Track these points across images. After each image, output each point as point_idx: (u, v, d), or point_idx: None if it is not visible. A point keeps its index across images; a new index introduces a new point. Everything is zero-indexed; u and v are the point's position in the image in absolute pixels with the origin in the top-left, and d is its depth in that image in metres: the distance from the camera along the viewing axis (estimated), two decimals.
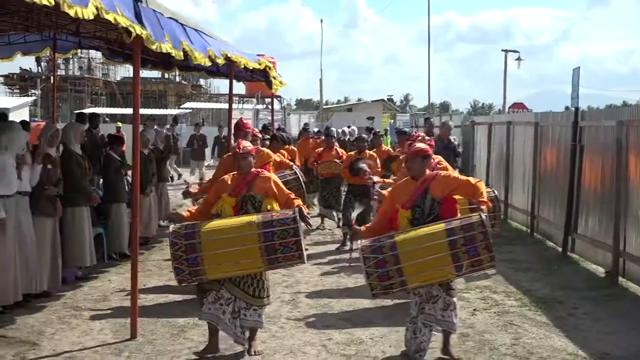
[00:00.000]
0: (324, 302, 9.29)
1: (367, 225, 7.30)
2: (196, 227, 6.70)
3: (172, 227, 6.79)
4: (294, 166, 9.54)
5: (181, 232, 6.66)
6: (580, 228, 12.21)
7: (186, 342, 7.45)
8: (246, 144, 7.32)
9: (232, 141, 9.76)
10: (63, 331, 7.86)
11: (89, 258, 10.06)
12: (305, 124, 23.49)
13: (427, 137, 9.09)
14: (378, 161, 13.03)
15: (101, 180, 12.33)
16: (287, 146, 14.05)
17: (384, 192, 8.31)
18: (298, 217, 6.73)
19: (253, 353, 7.10)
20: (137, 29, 6.75)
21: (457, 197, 7.03)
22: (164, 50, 7.48)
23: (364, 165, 12.78)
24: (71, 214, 9.80)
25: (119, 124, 29.43)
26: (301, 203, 7.13)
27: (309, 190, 16.33)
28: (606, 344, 7.69)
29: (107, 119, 33.24)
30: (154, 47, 7.18)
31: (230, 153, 9.70)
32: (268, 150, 9.95)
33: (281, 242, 6.61)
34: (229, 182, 7.15)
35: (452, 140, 14.44)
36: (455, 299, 6.88)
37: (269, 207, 7.00)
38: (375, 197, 8.47)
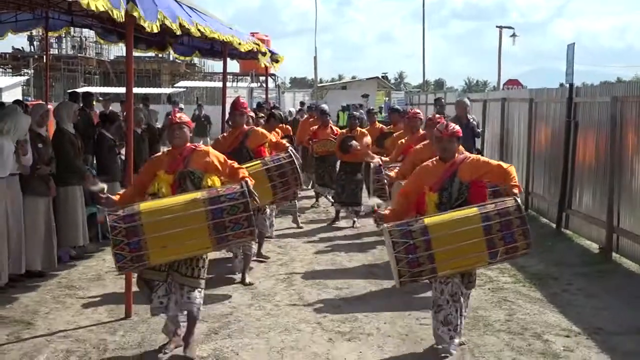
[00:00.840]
0: (318, 280, 9.31)
1: (390, 208, 6.82)
2: (136, 208, 6.14)
3: (106, 211, 6.30)
4: (290, 148, 9.17)
5: (120, 214, 6.09)
6: (574, 204, 12.23)
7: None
8: (182, 114, 6.78)
9: (230, 122, 9.50)
10: (57, 310, 7.86)
11: (82, 237, 10.06)
12: (301, 103, 23.38)
13: (437, 116, 9.01)
14: (369, 138, 13.05)
15: (95, 159, 12.29)
16: (282, 125, 13.99)
17: (391, 173, 8.30)
18: (246, 189, 6.28)
19: (186, 354, 6.48)
20: (116, 13, 6.51)
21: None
22: (155, 30, 7.36)
23: (354, 142, 12.81)
24: (64, 193, 9.78)
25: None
26: (247, 174, 6.72)
27: (303, 169, 16.34)
28: (599, 319, 7.72)
29: (100, 98, 33.06)
30: (145, 24, 7.08)
31: (224, 134, 9.62)
32: (263, 130, 9.66)
33: (231, 219, 6.14)
34: (164, 159, 6.65)
35: (471, 119, 13.13)
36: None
37: (209, 183, 6.52)
38: (383, 180, 8.37)
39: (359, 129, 13.12)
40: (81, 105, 14.62)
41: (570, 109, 12.33)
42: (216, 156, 6.69)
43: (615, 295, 8.72)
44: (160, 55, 50.49)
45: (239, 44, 11.14)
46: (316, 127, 14.66)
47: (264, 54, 13.43)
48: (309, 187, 16.75)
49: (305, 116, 19.10)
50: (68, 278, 9.21)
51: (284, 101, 44.28)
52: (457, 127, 6.71)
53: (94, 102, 18.32)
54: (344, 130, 13.55)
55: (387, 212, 6.70)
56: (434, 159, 6.76)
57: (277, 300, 8.38)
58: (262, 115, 12.62)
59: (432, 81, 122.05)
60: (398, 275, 6.04)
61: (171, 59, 54.52)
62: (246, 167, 7.32)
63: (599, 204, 11.12)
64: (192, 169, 6.51)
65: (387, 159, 10.07)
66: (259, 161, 8.81)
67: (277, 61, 15.64)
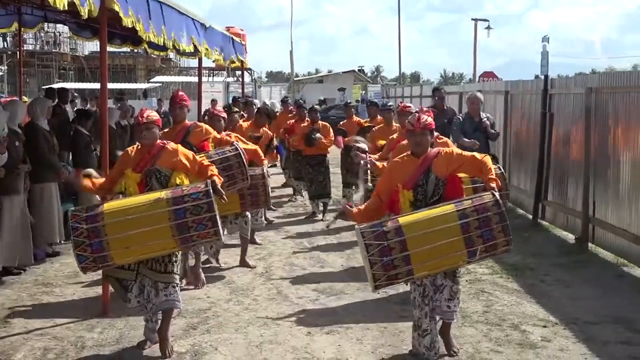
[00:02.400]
0: (297, 274, 9.30)
1: (360, 207, 6.50)
2: (98, 208, 6.08)
3: (70, 210, 6.19)
4: (235, 142, 8.77)
5: (82, 215, 6.01)
6: (550, 195, 12.30)
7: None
8: (151, 113, 6.59)
9: (170, 117, 9.07)
10: (34, 308, 7.81)
11: (58, 234, 9.98)
12: (285, 97, 23.13)
13: (424, 108, 8.72)
14: (331, 131, 13.15)
15: (70, 155, 12.19)
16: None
17: (379, 164, 8.17)
18: (211, 189, 6.15)
19: (168, 354, 6.40)
20: (82, 10, 6.34)
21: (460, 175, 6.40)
22: (130, 25, 7.29)
23: (318, 135, 12.86)
24: (39, 190, 9.70)
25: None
26: (216, 172, 6.62)
27: (286, 166, 16.32)
28: (576, 309, 7.77)
29: (75, 94, 32.81)
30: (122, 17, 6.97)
31: (165, 129, 9.22)
32: (207, 126, 9.09)
33: (194, 219, 6.01)
34: (132, 157, 6.54)
35: (484, 118, 11.61)
36: (460, 287, 6.40)
37: (177, 181, 6.43)
38: (366, 167, 8.25)
39: (320, 122, 13.39)
40: (56, 101, 14.49)
41: (546, 100, 12.40)
42: (184, 154, 6.59)
43: (591, 285, 8.78)
44: (135, 50, 50.28)
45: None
46: (293, 121, 14.64)
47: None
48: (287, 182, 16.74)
49: (280, 109, 19.04)
50: (44, 275, 9.14)
51: (261, 95, 44.20)
52: (430, 120, 6.34)
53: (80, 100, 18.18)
54: (305, 125, 13.58)
55: (355, 210, 6.43)
56: (405, 154, 6.46)
57: (255, 294, 8.36)
58: (237, 110, 12.48)
59: (408, 74, 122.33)
60: (373, 279, 5.72)
61: (146, 54, 54.28)
62: None
63: (574, 195, 11.19)
64: (158, 167, 6.44)
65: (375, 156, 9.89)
66: (202, 154, 8.20)
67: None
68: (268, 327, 7.20)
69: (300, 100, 16.39)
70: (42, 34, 51.89)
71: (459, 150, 6.53)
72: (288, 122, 15.04)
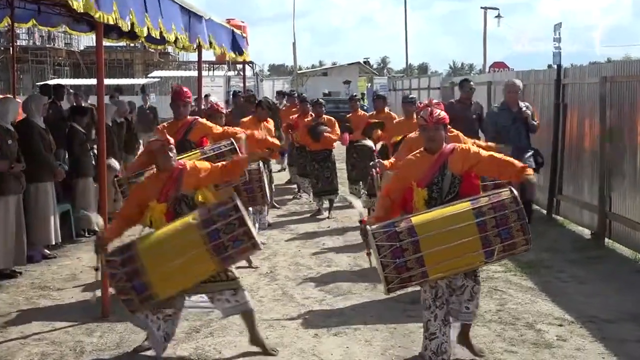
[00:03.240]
0: (302, 273, 9.32)
1: (375, 215, 6.24)
2: (132, 248, 6.05)
3: (105, 257, 6.16)
4: (232, 139, 8.61)
5: (117, 259, 6.01)
6: (565, 189, 12.29)
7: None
8: (168, 136, 6.54)
9: (173, 113, 8.90)
10: (31, 312, 7.83)
11: (54, 236, 10.01)
12: (292, 90, 22.97)
13: (434, 101, 8.53)
14: (337, 126, 13.14)
15: (66, 154, 12.22)
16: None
17: (386, 162, 8.14)
18: (238, 203, 6.08)
19: (274, 351, 6.57)
20: (76, 4, 6.37)
21: None
22: (111, 22, 7.19)
23: (323, 127, 12.84)
24: (35, 189, 9.73)
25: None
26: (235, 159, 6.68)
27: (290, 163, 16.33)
28: (593, 307, 7.77)
29: (71, 91, 32.83)
30: (96, 15, 6.90)
31: (164, 123, 8.94)
32: (208, 122, 9.07)
33: (229, 237, 5.99)
34: (151, 188, 6.38)
35: (524, 107, 11.02)
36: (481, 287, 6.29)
37: (201, 198, 6.35)
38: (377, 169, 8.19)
39: (324, 116, 13.34)
40: (52, 98, 14.50)
41: (559, 91, 12.38)
42: (205, 170, 6.49)
43: (608, 281, 8.78)
44: (132, 44, 50.35)
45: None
46: (296, 115, 14.64)
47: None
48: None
49: (285, 104, 19.02)
50: (41, 278, 9.16)
51: (263, 89, 44.22)
52: (443, 114, 6.20)
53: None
54: (309, 119, 13.57)
55: (372, 221, 6.09)
56: (418, 150, 6.30)
57: (260, 295, 8.37)
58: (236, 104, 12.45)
59: (415, 65, 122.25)
60: (385, 282, 5.63)
61: (144, 48, 54.36)
62: (183, 157, 7.34)
63: (590, 188, 11.18)
64: (184, 192, 6.36)
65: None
66: (197, 151, 8.31)
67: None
68: (273, 329, 7.21)
69: (304, 95, 16.39)
70: (36, 29, 51.95)
71: (476, 148, 6.31)
72: (291, 116, 15.05)
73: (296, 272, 9.43)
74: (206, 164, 6.62)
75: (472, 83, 12.49)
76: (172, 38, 8.80)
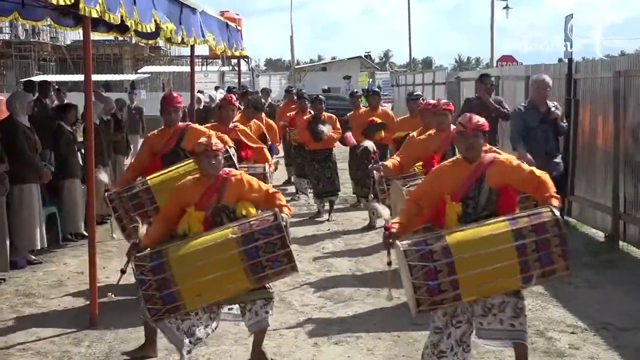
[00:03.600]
0: (301, 279, 9.29)
1: (399, 221, 5.94)
2: (164, 255, 5.98)
3: (134, 259, 6.05)
4: (227, 146, 8.18)
5: (147, 265, 5.93)
6: (577, 190, 12.27)
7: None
8: (217, 140, 6.51)
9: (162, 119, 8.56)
10: (15, 321, 7.82)
11: (39, 240, 10.00)
12: (289, 87, 22.85)
13: (442, 101, 8.46)
14: (338, 123, 13.14)
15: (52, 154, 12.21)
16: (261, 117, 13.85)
17: (388, 163, 8.08)
18: (282, 222, 6.04)
19: None
20: None
21: None
22: (95, 15, 7.16)
23: (325, 128, 12.84)
24: (19, 192, 9.71)
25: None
26: (284, 200, 6.46)
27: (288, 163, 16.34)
28: (607, 313, 7.76)
29: (57, 87, 32.83)
30: (80, 6, 6.84)
31: (154, 131, 8.67)
32: (201, 128, 8.81)
33: (269, 257, 5.95)
34: (192, 191, 6.35)
35: (552, 107, 10.30)
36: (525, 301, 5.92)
37: (244, 212, 6.28)
38: (377, 171, 8.12)
39: (324, 113, 13.25)
40: (37, 95, 14.50)
41: (570, 86, 12.36)
42: (250, 185, 6.42)
43: (623, 286, 8.78)
44: (121, 38, 50.39)
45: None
46: (293, 113, 14.64)
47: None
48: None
49: (280, 101, 19.02)
50: (26, 285, 9.15)
51: (259, 85, 44.21)
52: (483, 120, 5.93)
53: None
54: (308, 117, 13.54)
55: (396, 227, 5.84)
56: (454, 158, 6.11)
57: None
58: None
59: (419, 60, 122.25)
60: (416, 305, 5.46)
61: (133, 42, 54.39)
62: (177, 168, 7.36)
63: (603, 189, 11.17)
64: (226, 202, 6.30)
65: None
66: (190, 161, 7.93)
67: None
68: (271, 337, 7.18)
69: (302, 90, 16.37)
70: (19, 22, 51.89)
71: (517, 161, 6.05)
72: (288, 114, 15.05)
73: (294, 277, 9.39)
74: (254, 183, 6.48)
75: (492, 78, 12.13)
76: (167, 32, 8.79)
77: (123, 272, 6.25)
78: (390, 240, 5.68)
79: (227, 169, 6.50)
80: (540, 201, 5.80)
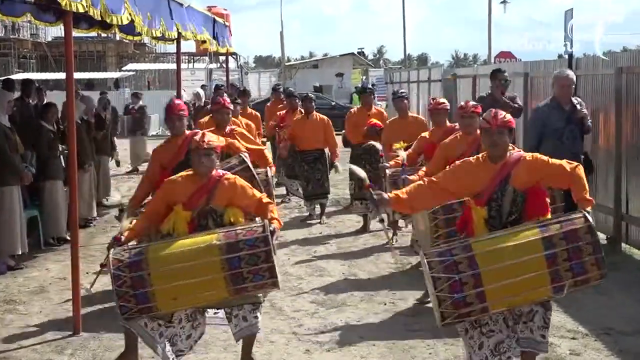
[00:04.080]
0: (292, 284, 9.32)
1: (403, 191, 5.94)
2: (143, 253, 5.93)
3: (112, 253, 5.96)
4: (243, 155, 8.43)
5: (125, 261, 5.86)
6: None
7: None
8: (212, 138, 6.39)
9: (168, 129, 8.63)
10: None
11: (20, 245, 9.98)
12: (277, 84, 22.83)
13: (471, 103, 8.20)
14: (331, 126, 13.23)
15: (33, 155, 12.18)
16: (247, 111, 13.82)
17: (392, 162, 8.06)
18: (269, 235, 5.96)
19: None
20: None
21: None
22: (81, 10, 7.13)
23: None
24: None
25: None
26: (276, 213, 6.39)
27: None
28: (609, 318, 7.79)
29: (38, 86, 32.75)
30: (63, 3, 6.83)
31: (161, 143, 8.69)
32: (211, 134, 8.92)
33: (250, 270, 5.87)
34: (182, 188, 6.31)
35: (577, 104, 9.81)
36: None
37: (232, 219, 6.24)
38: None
39: (315, 113, 13.30)
40: (19, 94, 14.48)
41: None
42: (243, 190, 6.38)
43: (626, 290, 8.79)
44: (104, 35, 50.29)
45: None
46: (284, 112, 14.65)
47: None
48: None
49: (270, 100, 19.03)
50: (6, 291, 9.14)
51: (248, 83, 44.21)
52: (509, 116, 5.83)
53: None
54: (298, 117, 13.59)
55: (393, 195, 5.89)
56: (479, 155, 5.97)
57: None
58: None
59: (414, 56, 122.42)
60: (441, 318, 5.38)
61: (117, 38, 54.31)
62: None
63: (605, 189, 11.19)
64: (214, 206, 6.27)
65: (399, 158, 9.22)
66: None
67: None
68: (261, 344, 7.19)
69: (290, 89, 16.35)
70: None
71: (544, 157, 5.87)
72: (277, 113, 15.06)
73: (285, 282, 9.41)
74: (247, 189, 6.46)
75: (506, 74, 11.82)
76: (151, 31, 8.76)
77: (102, 266, 6.21)
78: (377, 201, 5.80)
79: (221, 171, 6.46)
80: (576, 200, 5.73)
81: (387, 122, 12.03)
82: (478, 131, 7.59)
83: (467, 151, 7.64)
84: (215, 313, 6.46)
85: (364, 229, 12.28)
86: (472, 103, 8.40)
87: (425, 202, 6.04)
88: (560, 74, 9.98)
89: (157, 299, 5.83)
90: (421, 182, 6.07)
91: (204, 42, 12.62)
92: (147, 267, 5.84)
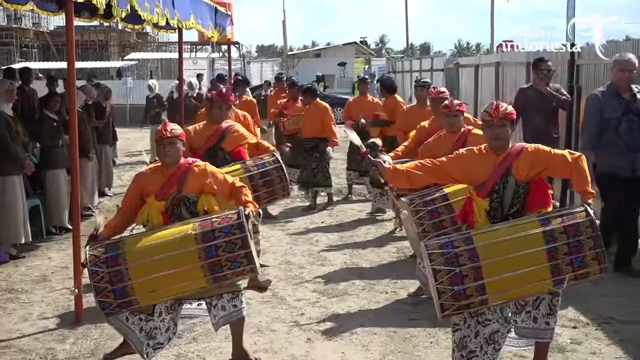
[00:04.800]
0: (294, 273, 9.33)
1: (398, 166, 6.10)
2: (120, 248, 5.96)
3: (88, 250, 5.99)
4: (275, 151, 8.62)
5: (101, 257, 5.87)
6: None
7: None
8: (175, 126, 6.38)
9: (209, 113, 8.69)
10: None
11: (22, 234, 10.00)
12: (280, 74, 22.82)
13: (455, 102, 8.22)
14: (330, 112, 13.24)
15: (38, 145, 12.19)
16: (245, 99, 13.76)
17: (392, 154, 8.04)
18: (244, 221, 5.97)
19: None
20: None
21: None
22: None
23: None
24: (1, 183, 9.72)
25: None
26: (250, 197, 6.43)
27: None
28: (609, 307, 7.79)
29: (40, 75, 32.78)
30: None
31: (196, 125, 8.69)
32: (243, 129, 8.85)
33: (228, 257, 5.90)
34: (152, 179, 6.35)
35: (638, 92, 8.92)
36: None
37: (205, 207, 6.30)
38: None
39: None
40: (20, 83, 14.47)
41: (573, 72, 12.35)
42: (214, 176, 6.44)
43: (626, 279, 8.80)
44: (107, 24, 50.27)
45: None
46: (285, 100, 14.63)
47: None
48: None
49: (271, 89, 19.00)
50: (9, 280, 9.16)
51: (251, 72, 44.15)
52: (511, 108, 5.85)
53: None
54: (299, 106, 13.65)
55: (391, 167, 6.09)
56: (482, 146, 5.99)
57: (247, 297, 8.33)
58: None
59: (417, 45, 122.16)
60: (441, 310, 5.44)
61: (119, 28, 54.24)
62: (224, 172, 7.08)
63: None
64: (186, 193, 6.30)
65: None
66: (239, 166, 8.25)
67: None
68: (262, 333, 7.23)
69: (293, 78, 16.37)
70: (1, 7, 51.66)
71: (546, 148, 5.89)
72: (279, 101, 15.06)
73: (287, 271, 9.44)
74: (219, 175, 6.50)
75: (550, 63, 10.94)
76: (154, 17, 8.76)
77: (84, 265, 6.18)
78: (377, 164, 6.04)
79: (190, 159, 6.52)
80: (577, 192, 5.77)
81: (406, 107, 12.06)
82: (462, 129, 7.75)
83: (452, 150, 7.66)
84: (199, 305, 6.46)
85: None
86: (457, 101, 8.37)
87: (424, 177, 6.08)
88: (620, 58, 9.07)
89: (136, 292, 5.87)
90: (423, 160, 6.15)
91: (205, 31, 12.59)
92: (124, 261, 5.88)
